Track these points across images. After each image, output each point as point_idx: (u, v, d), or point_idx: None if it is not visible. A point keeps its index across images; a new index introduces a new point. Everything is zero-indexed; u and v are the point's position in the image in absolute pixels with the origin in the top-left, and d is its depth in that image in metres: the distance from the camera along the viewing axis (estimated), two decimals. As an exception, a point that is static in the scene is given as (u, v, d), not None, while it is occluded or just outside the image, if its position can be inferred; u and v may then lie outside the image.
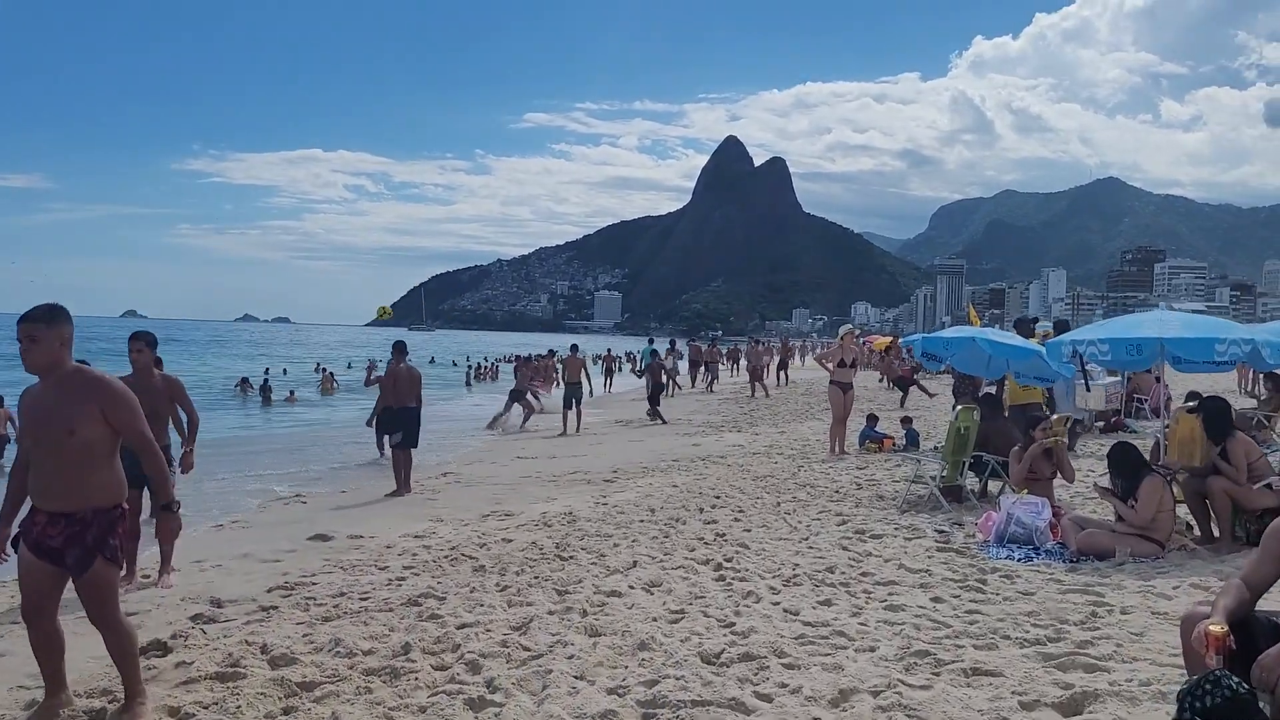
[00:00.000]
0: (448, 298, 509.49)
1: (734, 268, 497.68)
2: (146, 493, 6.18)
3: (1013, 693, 4.04)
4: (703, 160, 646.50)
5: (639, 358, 34.19)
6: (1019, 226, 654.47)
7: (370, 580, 6.68)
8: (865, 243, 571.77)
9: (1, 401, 15.80)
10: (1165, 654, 4.37)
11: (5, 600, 6.12)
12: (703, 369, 33.36)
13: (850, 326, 17.07)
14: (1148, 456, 7.96)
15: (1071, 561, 6.66)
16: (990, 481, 9.71)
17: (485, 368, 48.19)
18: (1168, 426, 9.42)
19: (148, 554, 7.02)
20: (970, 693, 4.08)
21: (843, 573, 6.46)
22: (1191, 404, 8.85)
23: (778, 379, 32.94)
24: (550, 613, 5.57)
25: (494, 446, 17.81)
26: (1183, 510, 7.41)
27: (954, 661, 4.47)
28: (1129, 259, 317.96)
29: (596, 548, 7.60)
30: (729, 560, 6.95)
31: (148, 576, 6.87)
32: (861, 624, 5.20)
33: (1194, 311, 17.13)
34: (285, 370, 44.11)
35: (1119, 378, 14.84)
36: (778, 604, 5.68)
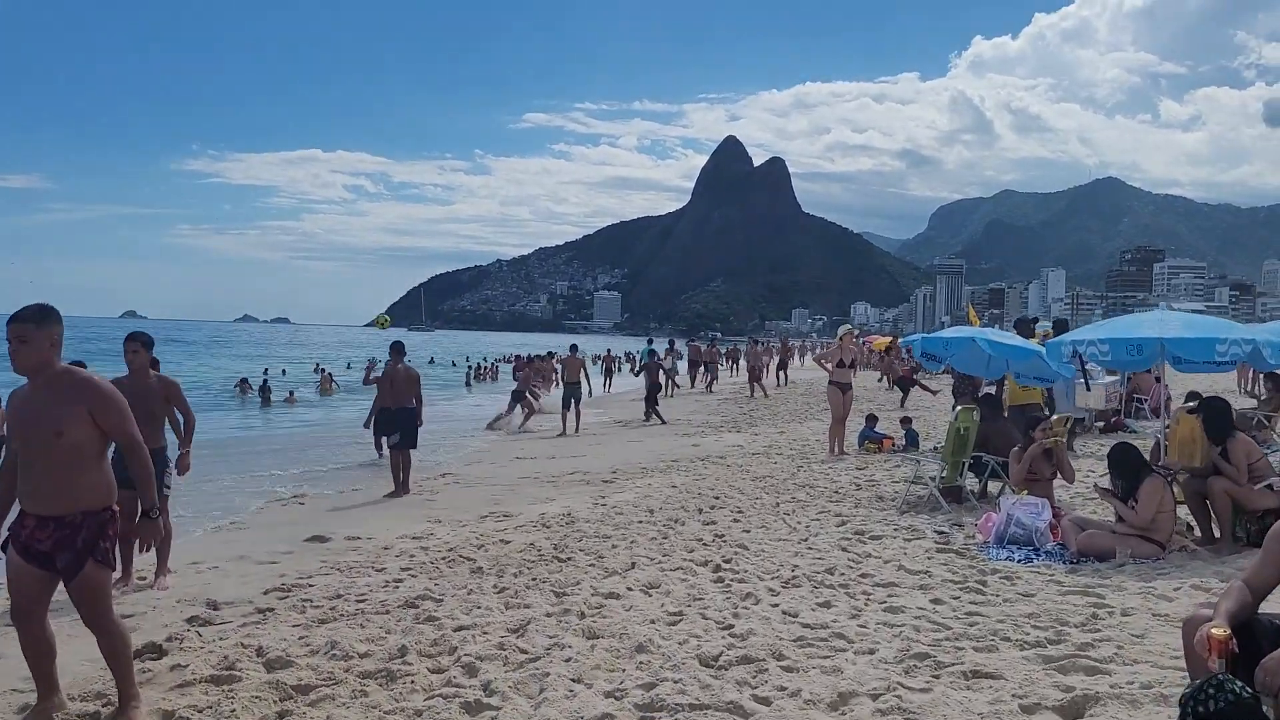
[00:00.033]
0: (447, 298, 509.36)
1: (733, 268, 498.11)
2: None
3: (1013, 695, 4.01)
4: (702, 160, 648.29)
5: (638, 358, 34.18)
6: (1018, 226, 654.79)
7: (367, 582, 6.65)
8: (865, 243, 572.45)
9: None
10: (1166, 656, 4.34)
11: (-2, 603, 6.09)
12: (702, 369, 33.35)
13: (849, 327, 17.04)
14: (1148, 457, 7.93)
15: (1072, 563, 6.64)
16: (990, 482, 9.68)
17: (485, 368, 48.14)
18: (1168, 427, 9.40)
19: (144, 556, 6.98)
20: (970, 695, 4.05)
21: (842, 574, 6.43)
22: (1192, 404, 8.83)
23: (777, 379, 32.94)
24: (548, 615, 5.54)
25: (493, 447, 17.77)
26: (1183, 511, 7.39)
27: (954, 664, 4.44)
28: (1128, 259, 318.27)
29: (595, 549, 7.57)
30: (728, 561, 6.93)
31: (144, 579, 6.84)
32: (861, 626, 5.17)
33: (1193, 311, 17.09)
34: (284, 371, 44.04)
35: (1119, 377, 14.81)
36: (777, 606, 5.65)
